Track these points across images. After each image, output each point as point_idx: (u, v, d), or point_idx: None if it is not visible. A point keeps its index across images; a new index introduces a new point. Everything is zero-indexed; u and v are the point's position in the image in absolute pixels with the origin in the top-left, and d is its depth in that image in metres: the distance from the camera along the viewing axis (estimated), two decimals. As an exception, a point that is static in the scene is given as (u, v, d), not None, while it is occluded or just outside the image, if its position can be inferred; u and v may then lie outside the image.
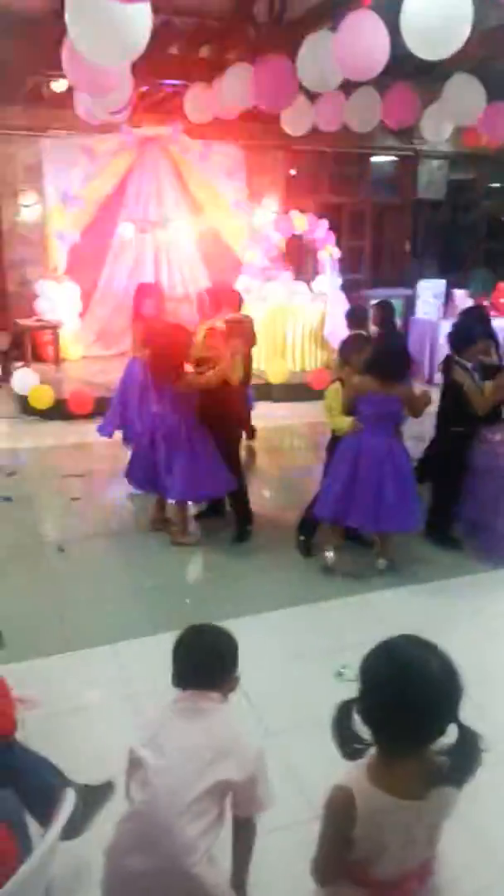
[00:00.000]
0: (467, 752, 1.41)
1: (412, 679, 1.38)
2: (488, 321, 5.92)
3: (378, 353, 4.30)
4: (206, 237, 9.23)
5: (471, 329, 4.81)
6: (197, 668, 1.91)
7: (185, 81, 6.72)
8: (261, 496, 5.57)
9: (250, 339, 5.96)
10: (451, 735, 1.43)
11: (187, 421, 4.47)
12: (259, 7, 7.10)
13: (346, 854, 1.45)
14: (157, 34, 3.52)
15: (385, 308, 6.56)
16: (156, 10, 3.83)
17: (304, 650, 3.47)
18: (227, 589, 4.10)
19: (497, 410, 4.70)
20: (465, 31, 3.18)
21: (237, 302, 6.38)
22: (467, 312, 6.11)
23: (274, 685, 3.11)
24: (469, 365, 4.53)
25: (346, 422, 4.27)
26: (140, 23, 3.30)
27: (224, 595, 4.01)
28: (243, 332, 5.03)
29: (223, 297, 6.28)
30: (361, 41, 3.77)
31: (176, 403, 4.43)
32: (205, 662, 1.92)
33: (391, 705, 1.37)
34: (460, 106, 5.67)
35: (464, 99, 5.58)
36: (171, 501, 4.74)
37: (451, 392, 4.56)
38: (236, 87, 5.70)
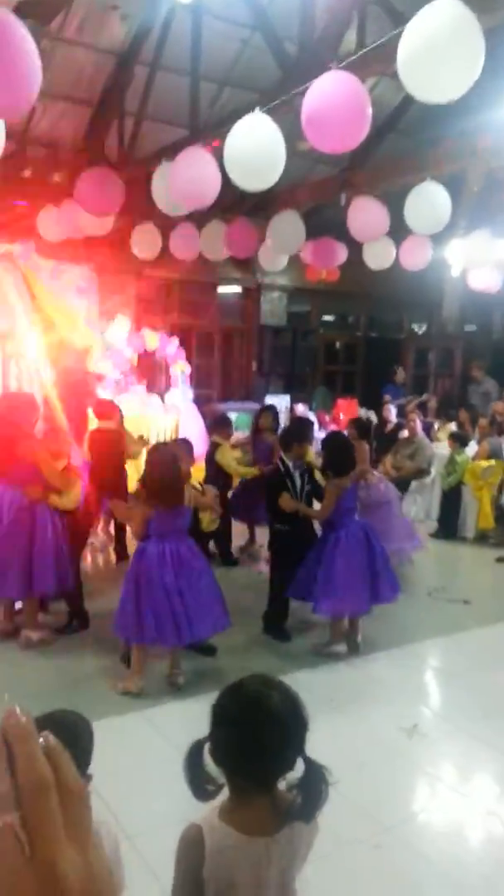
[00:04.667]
0: (314, 785, 1.41)
1: (257, 713, 1.39)
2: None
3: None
4: (56, 350, 9.29)
5: (299, 430, 5.09)
6: None
7: (36, 203, 7.00)
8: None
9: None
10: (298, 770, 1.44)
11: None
12: (109, 143, 7.71)
13: None
14: (11, 158, 3.75)
15: (272, 411, 7.04)
16: (9, 136, 4.07)
17: (153, 752, 3.30)
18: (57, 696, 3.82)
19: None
20: (279, 167, 3.66)
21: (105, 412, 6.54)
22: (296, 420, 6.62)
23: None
24: (291, 463, 4.72)
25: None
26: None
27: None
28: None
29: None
30: (192, 172, 4.18)
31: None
32: None
33: (238, 740, 1.37)
34: (284, 239, 6.39)
35: (286, 233, 6.29)
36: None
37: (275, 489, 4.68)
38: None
